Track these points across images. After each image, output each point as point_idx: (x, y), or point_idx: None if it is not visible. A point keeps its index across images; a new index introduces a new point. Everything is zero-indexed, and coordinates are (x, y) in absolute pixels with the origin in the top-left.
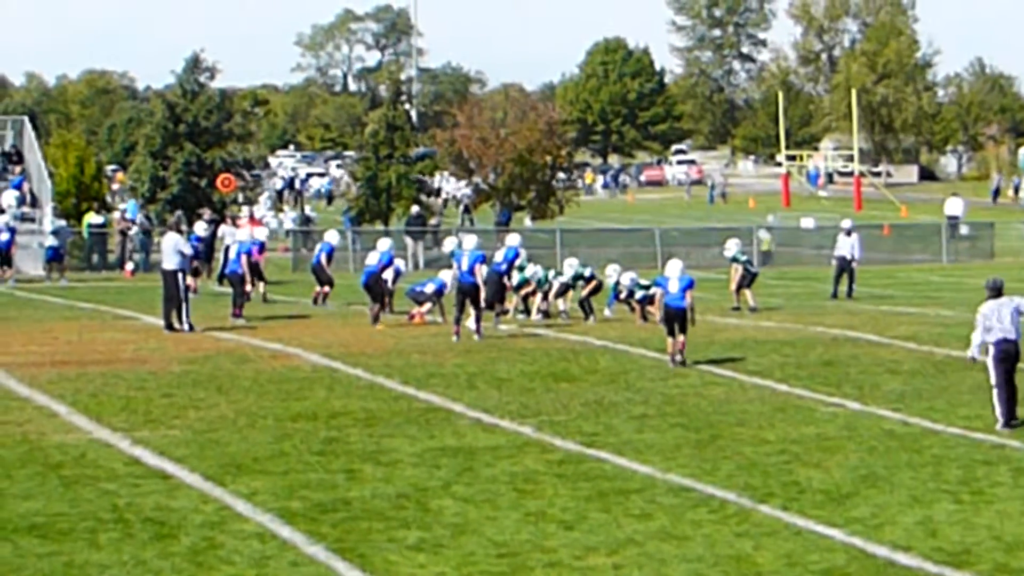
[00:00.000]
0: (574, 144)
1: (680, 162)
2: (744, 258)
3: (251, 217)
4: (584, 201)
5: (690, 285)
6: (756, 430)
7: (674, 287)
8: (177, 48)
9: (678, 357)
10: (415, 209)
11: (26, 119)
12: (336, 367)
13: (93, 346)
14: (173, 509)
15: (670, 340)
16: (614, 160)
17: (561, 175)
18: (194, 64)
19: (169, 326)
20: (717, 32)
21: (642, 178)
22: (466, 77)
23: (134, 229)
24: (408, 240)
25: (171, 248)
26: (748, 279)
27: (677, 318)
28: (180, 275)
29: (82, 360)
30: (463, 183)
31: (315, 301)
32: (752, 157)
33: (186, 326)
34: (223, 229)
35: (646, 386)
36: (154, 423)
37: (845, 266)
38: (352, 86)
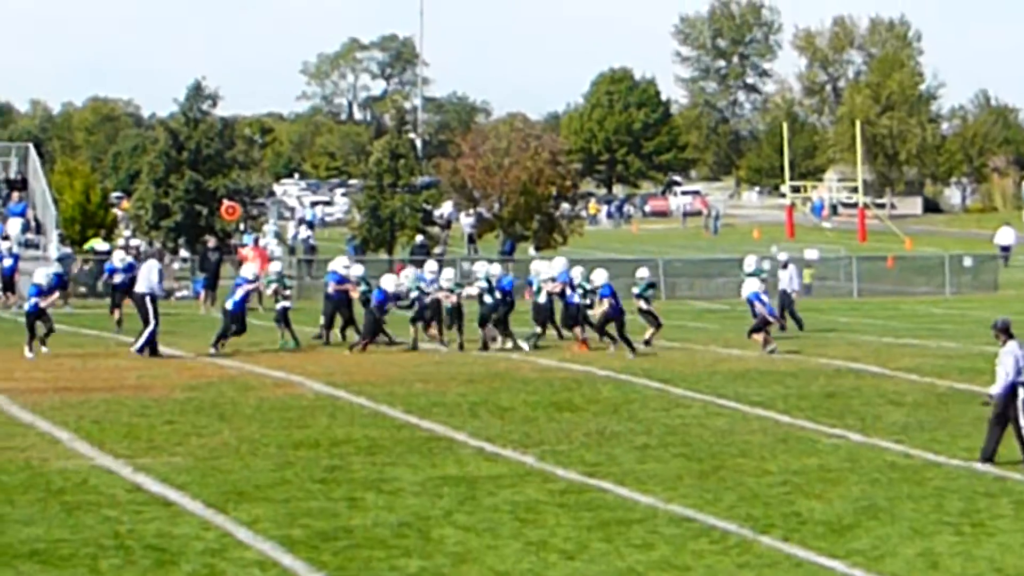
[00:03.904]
0: (579, 174)
1: (684, 192)
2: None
3: (255, 244)
4: (588, 231)
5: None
6: (758, 461)
7: None
8: (183, 76)
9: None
10: (419, 238)
11: (31, 146)
12: (339, 395)
13: (96, 373)
14: (174, 536)
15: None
16: (619, 190)
17: (565, 205)
18: (196, 92)
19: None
20: (722, 63)
21: (647, 208)
22: (471, 106)
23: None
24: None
25: (144, 273)
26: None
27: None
28: (147, 299)
29: (85, 387)
30: (463, 213)
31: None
32: (756, 188)
33: (136, 347)
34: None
35: (648, 416)
36: (156, 450)
37: (785, 299)
38: (357, 115)
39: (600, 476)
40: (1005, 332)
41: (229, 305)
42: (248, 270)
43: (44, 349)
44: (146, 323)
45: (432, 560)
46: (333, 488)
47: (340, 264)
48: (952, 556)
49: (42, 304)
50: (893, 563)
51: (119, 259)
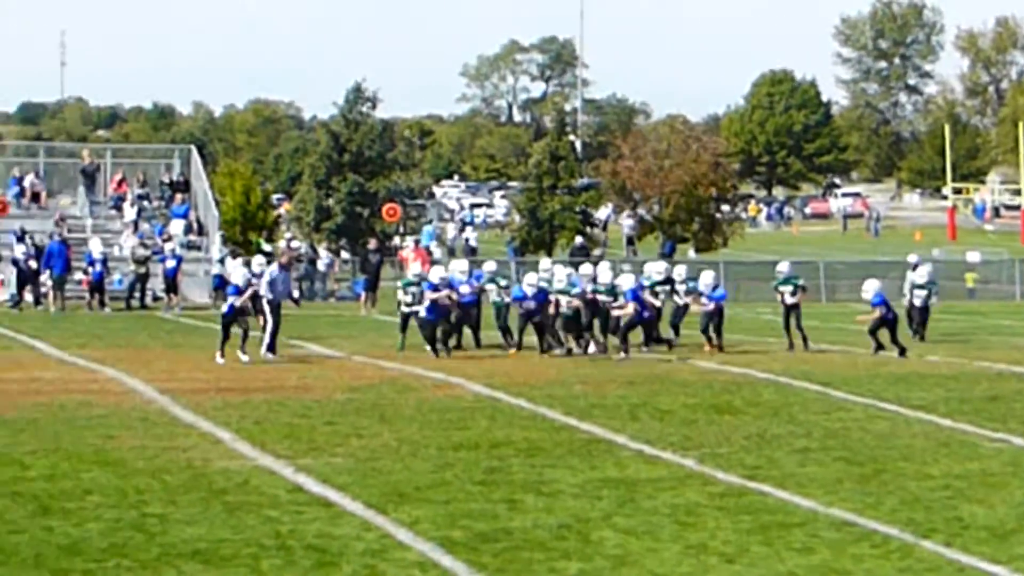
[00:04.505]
0: (738, 176)
1: (845, 194)
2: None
3: (416, 245)
4: (748, 233)
5: None
6: (919, 465)
7: None
8: (343, 78)
9: None
10: (579, 240)
11: (193, 148)
12: (498, 397)
13: (257, 374)
14: (335, 537)
15: None
16: (779, 192)
17: (725, 207)
18: (356, 94)
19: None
20: (883, 64)
21: (807, 210)
22: (631, 108)
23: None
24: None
25: (264, 278)
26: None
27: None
28: (265, 302)
29: (246, 387)
30: (624, 215)
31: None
32: (918, 190)
33: (264, 351)
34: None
35: (809, 419)
36: (317, 451)
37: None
38: (517, 117)
39: (760, 479)
40: None
41: (422, 312)
42: (434, 275)
43: (244, 357)
44: (266, 324)
45: (592, 563)
46: (493, 490)
47: (458, 269)
48: None
49: (236, 304)
50: None
51: (257, 264)
